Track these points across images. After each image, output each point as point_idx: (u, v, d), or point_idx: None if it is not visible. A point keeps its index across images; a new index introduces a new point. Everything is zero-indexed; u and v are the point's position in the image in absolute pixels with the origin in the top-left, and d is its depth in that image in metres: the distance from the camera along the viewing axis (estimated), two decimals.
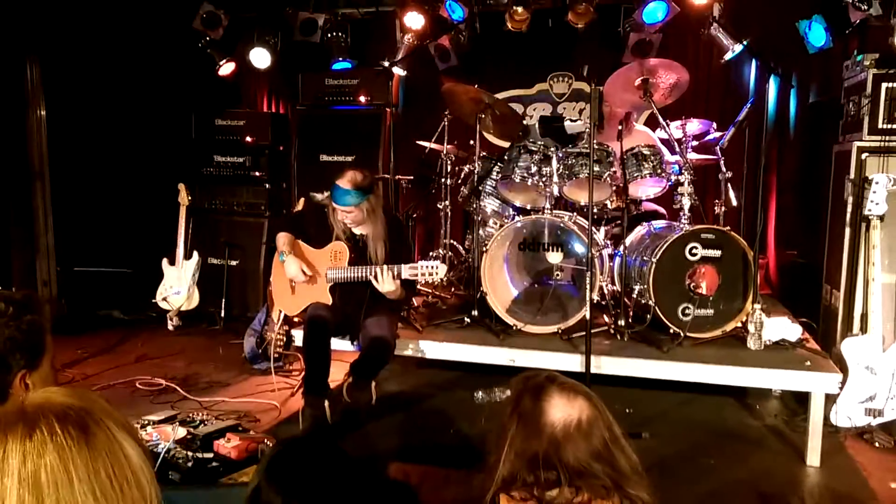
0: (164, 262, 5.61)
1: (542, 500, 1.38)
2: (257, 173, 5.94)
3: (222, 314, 5.64)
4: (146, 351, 4.98)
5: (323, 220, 3.80)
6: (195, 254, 5.64)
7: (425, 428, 3.71)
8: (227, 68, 5.93)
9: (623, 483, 1.40)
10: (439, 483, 3.01)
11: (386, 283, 3.55)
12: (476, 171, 4.52)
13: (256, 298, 5.65)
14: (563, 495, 1.39)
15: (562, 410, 1.45)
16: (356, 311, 3.73)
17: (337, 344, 3.78)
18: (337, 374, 3.75)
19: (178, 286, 5.56)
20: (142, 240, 5.93)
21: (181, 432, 3.00)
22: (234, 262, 5.82)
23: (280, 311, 4.24)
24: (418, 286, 4.47)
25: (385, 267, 3.56)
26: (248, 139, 5.95)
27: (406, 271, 3.56)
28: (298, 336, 3.95)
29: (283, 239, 3.78)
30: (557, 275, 4.17)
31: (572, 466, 1.40)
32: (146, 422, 3.21)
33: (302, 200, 5.25)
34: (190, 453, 2.83)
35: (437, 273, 3.54)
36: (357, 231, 3.78)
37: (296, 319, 4.02)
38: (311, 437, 1.52)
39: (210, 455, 2.84)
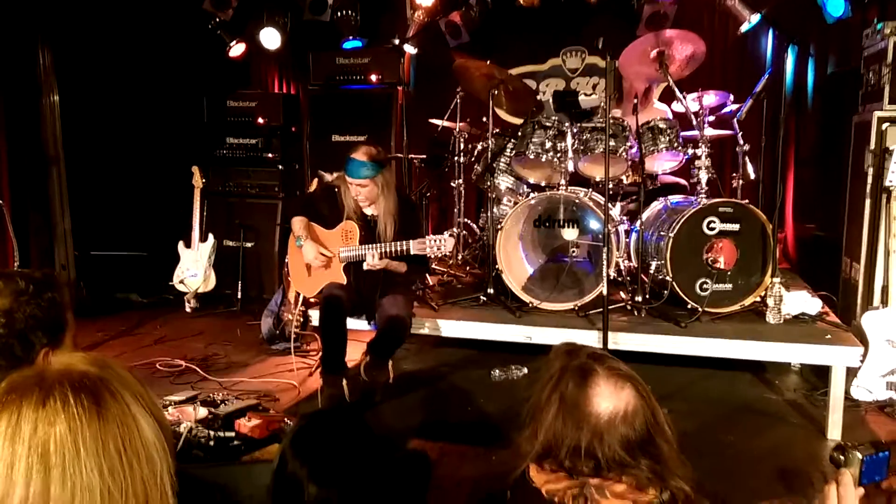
0: (180, 244, 5.65)
1: (573, 471, 1.36)
2: (270, 154, 5.93)
3: (239, 296, 5.66)
4: (165, 333, 5.02)
5: (333, 200, 3.80)
6: (210, 236, 5.67)
7: (442, 406, 3.73)
8: (237, 49, 5.90)
9: (665, 475, 1.35)
10: (457, 460, 3.03)
11: (373, 257, 3.57)
12: (489, 149, 4.49)
13: (272, 280, 5.67)
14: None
15: (608, 400, 1.37)
16: (372, 290, 3.74)
17: (353, 323, 3.79)
18: (354, 354, 3.77)
19: (194, 269, 5.59)
20: (157, 223, 5.96)
21: (202, 412, 3.03)
22: (249, 244, 5.83)
23: (297, 292, 4.25)
24: (432, 264, 4.46)
25: (378, 245, 3.58)
26: (260, 120, 5.94)
27: (415, 247, 3.56)
28: (315, 316, 3.97)
29: (298, 223, 3.78)
30: (573, 251, 4.16)
31: (612, 457, 1.34)
32: (168, 402, 3.24)
33: (315, 181, 5.25)
34: (212, 432, 2.84)
35: (444, 246, 3.53)
36: (368, 211, 3.77)
37: (312, 300, 4.04)
38: (334, 411, 1.52)
39: (232, 434, 2.86)
